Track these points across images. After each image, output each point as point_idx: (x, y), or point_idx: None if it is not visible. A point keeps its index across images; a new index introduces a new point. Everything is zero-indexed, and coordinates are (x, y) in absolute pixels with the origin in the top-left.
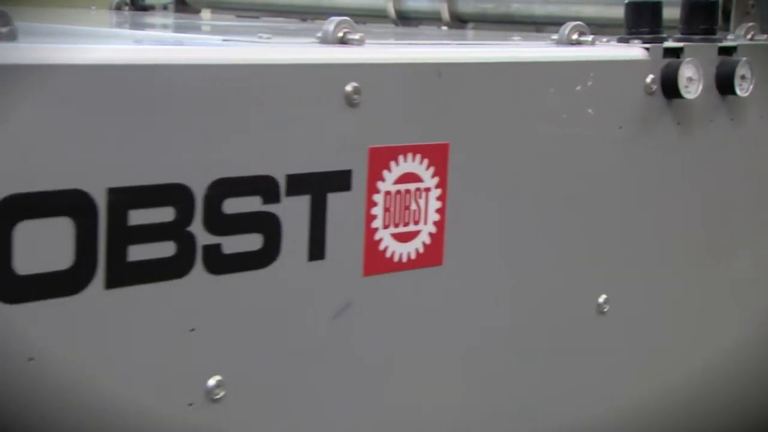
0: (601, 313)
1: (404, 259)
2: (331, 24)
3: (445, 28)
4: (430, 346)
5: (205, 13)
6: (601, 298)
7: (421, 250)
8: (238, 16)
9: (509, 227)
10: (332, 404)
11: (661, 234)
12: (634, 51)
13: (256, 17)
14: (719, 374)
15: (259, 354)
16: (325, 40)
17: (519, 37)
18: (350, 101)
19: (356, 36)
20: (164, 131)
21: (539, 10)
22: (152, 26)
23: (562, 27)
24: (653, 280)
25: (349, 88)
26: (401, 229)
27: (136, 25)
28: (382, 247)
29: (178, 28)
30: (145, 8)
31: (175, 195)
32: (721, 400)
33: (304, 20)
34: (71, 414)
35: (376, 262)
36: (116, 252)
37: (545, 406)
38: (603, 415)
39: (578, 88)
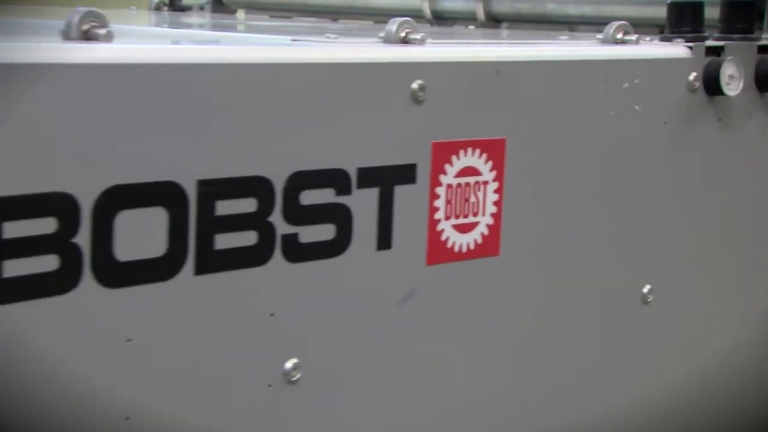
0: (646, 303)
1: (464, 250)
2: (393, 24)
3: (471, 27)
4: (486, 333)
5: (239, 14)
6: (646, 288)
7: (480, 241)
8: (271, 17)
9: (560, 219)
10: (396, 387)
11: (702, 226)
12: (678, 50)
13: (289, 17)
14: (763, 364)
15: (332, 338)
16: (388, 40)
17: (566, 36)
18: (416, 98)
19: (418, 36)
20: (248, 127)
21: (573, 10)
22: (212, 27)
23: (607, 27)
24: (695, 271)
25: (414, 85)
26: (461, 221)
27: (200, 26)
28: (443, 237)
29: (241, 29)
30: (183, 9)
31: (258, 187)
32: (765, 388)
33: (335, 20)
34: (163, 391)
35: (438, 252)
36: (205, 240)
37: (591, 393)
38: (644, 404)
39: (625, 85)
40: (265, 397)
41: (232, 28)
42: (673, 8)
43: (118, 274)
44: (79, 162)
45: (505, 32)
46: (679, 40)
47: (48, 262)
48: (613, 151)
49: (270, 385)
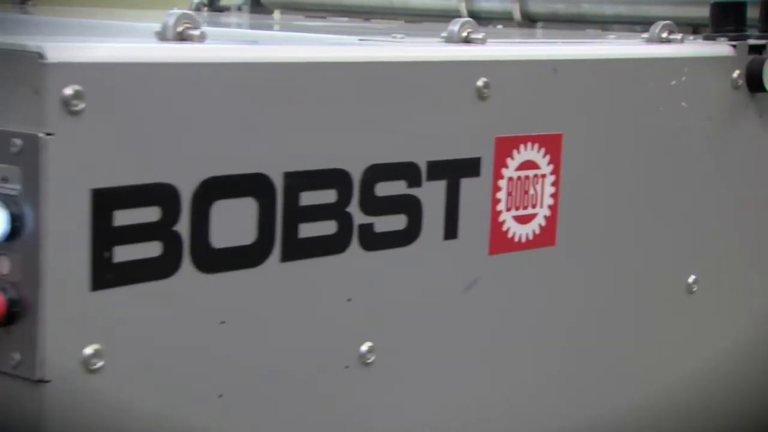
0: (691, 292)
1: (523, 240)
2: (456, 25)
3: (500, 26)
4: (541, 320)
5: (276, 14)
6: (691, 278)
7: (537, 232)
8: (306, 17)
9: (611, 211)
10: (460, 370)
11: (743, 218)
12: (722, 48)
13: (323, 17)
14: None
15: (403, 323)
16: (450, 40)
17: (613, 36)
18: (481, 95)
19: (479, 35)
20: (329, 123)
21: (609, 10)
22: (270, 27)
23: (653, 26)
24: (738, 262)
25: (480, 83)
26: (521, 212)
27: (262, 27)
28: (504, 228)
29: (300, 29)
30: (221, 9)
31: (338, 179)
32: None
33: (367, 20)
34: (251, 370)
35: (499, 242)
36: (290, 229)
37: (636, 379)
38: (689, 393)
39: (673, 83)
40: (343, 378)
41: (298, 29)
42: (716, 8)
43: (213, 260)
44: (180, 155)
45: (540, 32)
46: (722, 38)
47: (153, 249)
48: (662, 145)
49: (347, 367)
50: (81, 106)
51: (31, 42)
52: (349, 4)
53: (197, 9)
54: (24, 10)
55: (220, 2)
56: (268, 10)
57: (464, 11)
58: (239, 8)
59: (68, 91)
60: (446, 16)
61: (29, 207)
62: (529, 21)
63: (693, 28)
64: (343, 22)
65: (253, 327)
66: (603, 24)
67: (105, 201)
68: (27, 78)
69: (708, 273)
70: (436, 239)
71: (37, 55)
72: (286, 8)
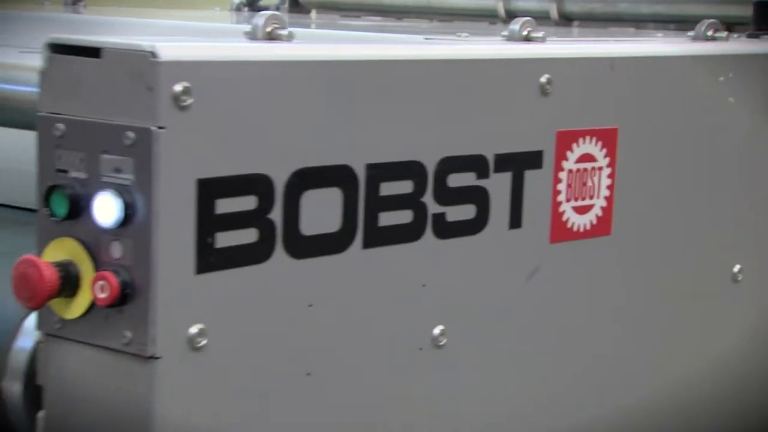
0: (736, 281)
1: (581, 229)
2: (516, 24)
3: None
4: (597, 305)
5: (312, 13)
6: (736, 268)
7: (594, 222)
8: (341, 16)
9: (662, 202)
10: (523, 352)
11: None
12: (765, 46)
13: (358, 17)
14: None
15: (472, 308)
16: (512, 38)
17: (661, 34)
18: (543, 91)
19: (539, 34)
20: (406, 117)
21: (646, 9)
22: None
23: (698, 25)
24: None
25: (543, 79)
26: (579, 203)
27: (327, 27)
28: (564, 218)
29: (363, 29)
30: (260, 9)
31: (414, 170)
32: None
33: (400, 19)
34: (335, 350)
35: (560, 231)
36: (371, 218)
37: (682, 363)
38: (731, 377)
39: (720, 79)
40: (417, 358)
41: (360, 28)
42: (759, 7)
43: (303, 247)
44: (274, 147)
45: (576, 30)
46: (765, 36)
47: (249, 235)
48: (710, 139)
49: (421, 348)
50: (189, 101)
51: (144, 42)
52: (386, 3)
53: (238, 9)
54: (77, 11)
55: (260, 2)
56: (305, 10)
57: (502, 11)
58: (277, 8)
59: (178, 87)
60: (483, 15)
61: (141, 196)
62: (566, 20)
63: (727, 26)
64: (378, 20)
65: (337, 310)
66: (637, 23)
67: (209, 190)
68: (140, 75)
69: (752, 263)
70: (502, 228)
71: (150, 54)
72: (323, 8)
